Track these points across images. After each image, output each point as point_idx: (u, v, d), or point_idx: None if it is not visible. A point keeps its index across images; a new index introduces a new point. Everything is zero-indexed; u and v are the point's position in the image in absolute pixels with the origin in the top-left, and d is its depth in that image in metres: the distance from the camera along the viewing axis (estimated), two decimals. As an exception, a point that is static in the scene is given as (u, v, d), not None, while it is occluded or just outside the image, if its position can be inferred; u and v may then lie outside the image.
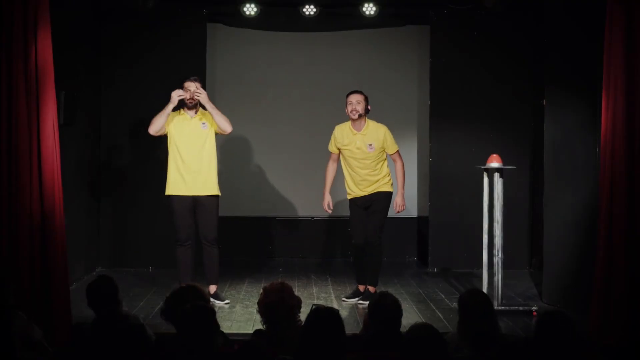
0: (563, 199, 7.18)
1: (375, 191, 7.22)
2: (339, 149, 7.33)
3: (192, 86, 6.97)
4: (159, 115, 6.97)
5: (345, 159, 7.31)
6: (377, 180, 7.21)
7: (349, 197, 7.36)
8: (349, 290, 7.56)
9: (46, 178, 5.70)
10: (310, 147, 9.47)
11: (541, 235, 7.74)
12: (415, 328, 3.74)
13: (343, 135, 7.28)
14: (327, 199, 7.46)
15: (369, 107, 7.23)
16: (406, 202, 9.75)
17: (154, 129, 6.99)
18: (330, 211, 7.50)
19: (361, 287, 7.39)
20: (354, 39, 9.71)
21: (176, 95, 6.91)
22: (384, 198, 7.24)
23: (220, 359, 3.85)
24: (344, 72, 9.55)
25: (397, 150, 7.27)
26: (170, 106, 6.94)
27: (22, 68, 5.63)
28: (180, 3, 8.97)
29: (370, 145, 7.15)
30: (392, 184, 7.31)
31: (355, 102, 7.15)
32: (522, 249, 9.08)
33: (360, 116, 7.14)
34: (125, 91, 8.97)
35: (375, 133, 7.17)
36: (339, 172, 7.45)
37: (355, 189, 7.27)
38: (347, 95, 7.24)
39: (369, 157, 7.17)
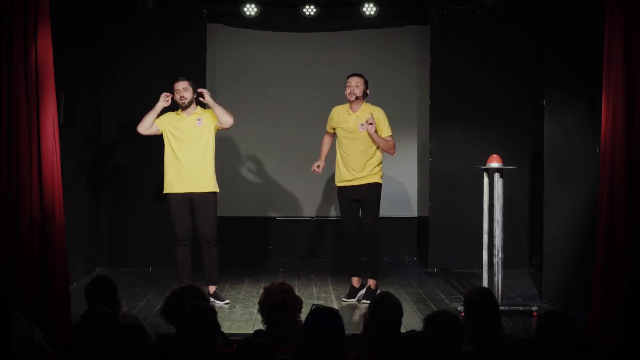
0: (563, 199, 7.18)
1: (364, 182, 7.21)
2: (333, 129, 7.39)
3: (181, 86, 7.04)
4: (147, 114, 7.08)
5: (338, 139, 7.34)
6: (367, 166, 7.19)
7: (337, 183, 7.37)
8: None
9: (46, 178, 5.70)
10: (310, 147, 9.43)
11: (541, 235, 7.74)
12: (437, 314, 3.94)
13: (339, 115, 7.36)
14: (319, 162, 7.48)
15: (368, 91, 7.28)
16: (406, 202, 9.86)
17: (143, 127, 7.09)
18: (318, 171, 7.50)
19: (355, 281, 7.40)
20: (354, 39, 9.71)
21: (162, 97, 7.04)
22: (374, 189, 7.25)
23: (220, 359, 3.84)
24: (344, 72, 9.43)
25: (391, 136, 7.23)
26: (159, 105, 7.04)
27: (22, 68, 5.63)
28: (180, 3, 8.97)
29: (361, 125, 7.18)
30: (382, 175, 7.31)
31: (354, 85, 7.21)
32: (522, 249, 9.07)
33: (357, 98, 7.20)
34: (126, 91, 8.97)
35: (368, 113, 7.19)
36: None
37: (346, 173, 7.25)
38: (348, 78, 7.29)
39: (360, 139, 7.18)
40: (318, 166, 7.49)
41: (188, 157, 7.02)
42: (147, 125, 7.06)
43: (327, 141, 7.56)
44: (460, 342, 3.98)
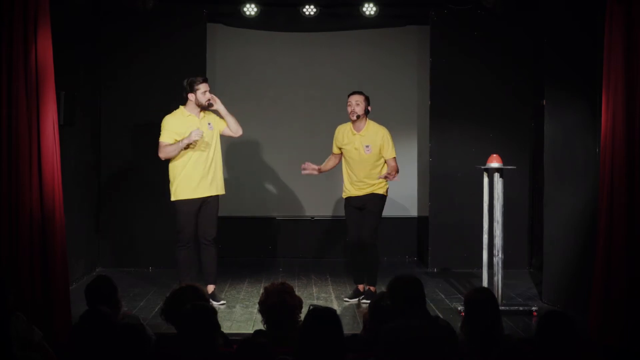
0: (563, 199, 7.18)
1: (370, 192, 7.21)
2: (340, 149, 7.35)
3: (207, 87, 6.95)
4: (173, 148, 6.85)
5: (345, 159, 7.33)
6: (374, 184, 7.20)
7: (344, 195, 7.38)
8: (349, 291, 7.56)
9: (46, 178, 5.70)
10: (310, 147, 9.46)
11: (541, 235, 7.74)
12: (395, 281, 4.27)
13: (343, 135, 7.29)
14: (316, 167, 7.34)
15: (369, 108, 7.22)
16: (406, 202, 9.86)
17: (165, 157, 6.94)
18: (307, 170, 7.33)
19: (360, 287, 7.40)
20: (354, 39, 9.71)
21: (197, 137, 6.76)
22: (378, 200, 7.23)
23: (220, 359, 3.84)
24: (344, 72, 9.55)
25: (394, 158, 7.19)
26: (187, 142, 6.80)
27: (22, 68, 5.63)
28: (180, 3, 8.97)
29: (367, 146, 7.14)
30: (387, 189, 7.30)
31: (355, 104, 7.14)
32: (522, 249, 9.08)
33: (359, 117, 7.14)
34: (126, 91, 8.97)
35: (374, 135, 7.15)
36: (338, 170, 7.45)
37: (351, 188, 7.27)
38: (348, 96, 7.25)
39: (366, 160, 7.16)
40: (314, 169, 7.35)
41: (205, 161, 6.94)
42: (171, 157, 6.94)
43: (332, 161, 7.48)
44: (423, 301, 4.29)
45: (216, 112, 7.20)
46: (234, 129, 7.10)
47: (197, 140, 6.87)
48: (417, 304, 4.23)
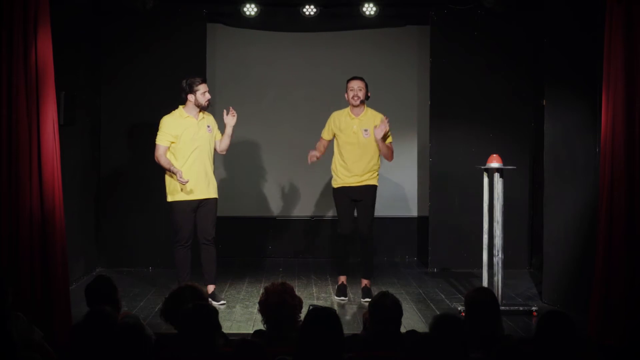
0: (563, 199, 7.18)
1: (363, 184, 7.22)
2: (333, 135, 7.35)
3: (206, 88, 7.00)
4: (166, 163, 6.87)
5: (339, 144, 7.32)
6: (368, 171, 7.21)
7: (335, 185, 7.38)
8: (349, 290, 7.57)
9: (46, 178, 5.70)
10: (310, 147, 9.44)
11: (541, 235, 7.74)
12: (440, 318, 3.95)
13: (340, 120, 7.32)
14: (316, 152, 7.42)
15: (369, 94, 7.29)
16: (406, 202, 9.86)
17: (157, 162, 6.97)
18: (315, 157, 7.42)
19: (343, 279, 7.43)
20: (354, 39, 9.71)
21: (182, 182, 6.78)
22: (373, 192, 7.30)
23: (220, 359, 3.84)
24: (344, 72, 9.47)
25: (391, 143, 7.27)
26: (175, 174, 6.81)
27: (22, 68, 5.63)
28: (180, 3, 8.97)
29: (365, 130, 7.19)
30: (378, 179, 7.36)
31: (357, 88, 7.22)
32: (522, 249, 9.08)
33: (361, 102, 7.19)
34: (126, 91, 8.97)
35: (372, 119, 7.23)
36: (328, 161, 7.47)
37: (346, 177, 7.26)
38: (348, 81, 7.30)
39: (364, 144, 7.19)
40: (316, 156, 7.39)
41: (200, 163, 6.95)
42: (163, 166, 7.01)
43: (323, 145, 7.50)
44: (464, 344, 3.95)
45: (214, 116, 7.22)
46: (224, 147, 7.19)
47: (198, 144, 6.92)
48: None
